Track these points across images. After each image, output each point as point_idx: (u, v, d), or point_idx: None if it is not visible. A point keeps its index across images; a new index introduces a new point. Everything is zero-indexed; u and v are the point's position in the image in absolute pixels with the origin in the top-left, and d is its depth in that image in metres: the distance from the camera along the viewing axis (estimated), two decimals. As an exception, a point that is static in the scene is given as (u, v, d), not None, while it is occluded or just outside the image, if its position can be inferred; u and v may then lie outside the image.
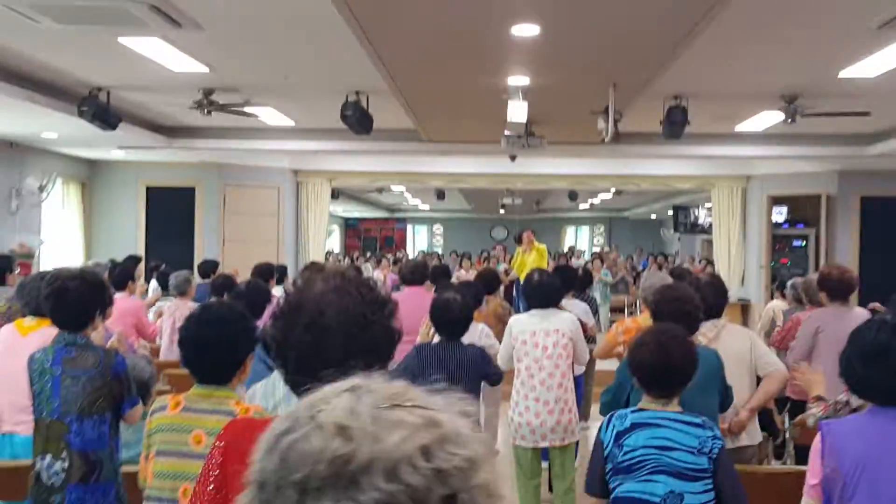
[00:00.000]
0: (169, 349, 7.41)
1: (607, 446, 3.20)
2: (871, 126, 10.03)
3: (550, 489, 5.95)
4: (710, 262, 15.25)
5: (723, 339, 4.81)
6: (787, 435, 6.67)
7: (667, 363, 3.23)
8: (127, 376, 3.87)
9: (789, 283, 8.35)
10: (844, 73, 7.14)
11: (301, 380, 1.92)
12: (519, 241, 11.38)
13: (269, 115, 9.95)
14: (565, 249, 26.22)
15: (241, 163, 13.38)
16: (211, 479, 1.97)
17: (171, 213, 13.27)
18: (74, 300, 3.88)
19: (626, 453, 3.15)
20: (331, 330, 1.85)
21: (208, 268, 10.12)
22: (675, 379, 3.24)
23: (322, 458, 0.87)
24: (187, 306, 7.52)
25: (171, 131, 11.09)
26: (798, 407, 6.35)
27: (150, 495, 2.92)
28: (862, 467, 2.75)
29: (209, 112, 8.64)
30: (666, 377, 3.24)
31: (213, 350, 2.95)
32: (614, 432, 3.20)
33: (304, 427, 0.90)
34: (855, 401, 4.06)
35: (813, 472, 2.92)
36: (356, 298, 1.90)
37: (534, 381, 5.49)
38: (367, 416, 0.89)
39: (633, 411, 3.25)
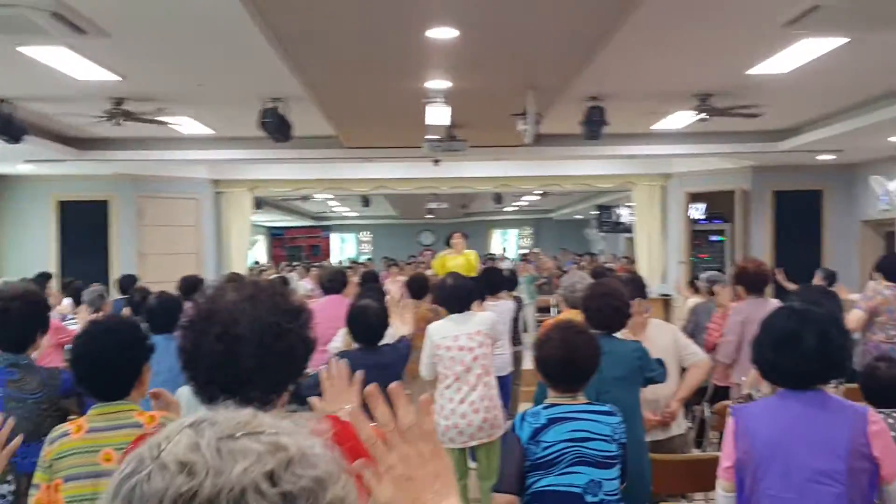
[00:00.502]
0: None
1: (523, 442, 3.22)
2: (780, 123, 10.29)
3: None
4: (630, 260, 15.47)
5: (648, 333, 4.91)
6: (707, 423, 6.78)
7: (572, 358, 3.27)
8: (76, 390, 3.76)
9: (702, 275, 8.51)
10: (754, 71, 7.30)
11: (213, 392, 1.88)
12: (448, 242, 11.29)
13: (184, 125, 9.77)
14: (494, 252, 26.38)
15: (157, 174, 13.09)
16: None
17: (85, 227, 12.90)
18: (16, 321, 3.77)
19: (545, 449, 3.18)
20: (244, 339, 1.81)
21: (127, 283, 9.89)
22: (580, 373, 3.30)
23: (166, 497, 0.85)
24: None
25: (82, 143, 10.80)
26: (719, 393, 6.48)
27: None
28: (772, 449, 2.82)
29: (120, 122, 8.45)
30: (572, 371, 3.29)
31: (107, 363, 2.89)
32: (530, 429, 3.22)
33: (146, 467, 0.88)
34: (756, 394, 4.17)
35: (726, 455, 2.99)
36: (270, 307, 1.87)
37: (460, 383, 5.50)
38: (209, 450, 0.88)
39: (545, 407, 3.28)
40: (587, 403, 3.28)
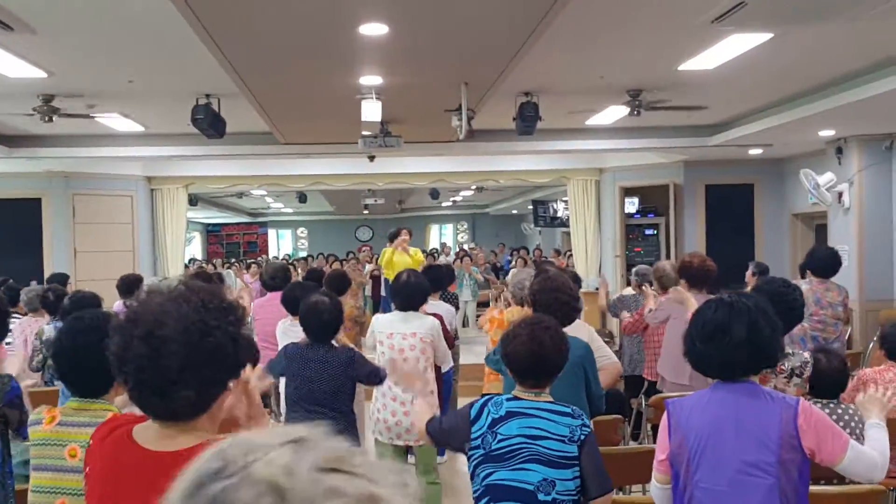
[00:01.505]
0: (23, 369, 7.03)
1: (480, 430, 3.24)
2: (711, 118, 10.48)
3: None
4: (558, 252, 15.60)
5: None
6: (644, 416, 6.90)
7: (539, 353, 3.29)
8: (21, 401, 3.70)
9: (634, 269, 8.63)
10: (684, 67, 7.43)
11: (141, 395, 1.88)
12: (393, 239, 11.21)
13: (115, 121, 9.62)
14: (432, 247, 26.37)
15: (90, 171, 12.89)
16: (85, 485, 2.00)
17: (15, 225, 12.63)
18: None
19: (500, 441, 3.20)
20: (168, 340, 1.81)
21: (56, 281, 9.70)
22: (547, 369, 3.31)
23: None
24: (38, 323, 7.18)
25: (11, 140, 10.58)
26: (653, 390, 6.59)
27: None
28: (705, 440, 2.86)
29: (50, 119, 8.29)
30: (539, 367, 3.30)
31: (86, 360, 2.88)
32: (490, 418, 3.24)
33: (235, 474, 0.84)
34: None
35: (661, 448, 3.03)
36: (196, 306, 1.86)
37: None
38: (304, 478, 0.83)
39: (508, 399, 3.30)
40: (550, 402, 3.29)
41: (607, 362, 5.02)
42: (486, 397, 3.37)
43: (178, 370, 1.81)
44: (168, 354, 1.80)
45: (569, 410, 3.26)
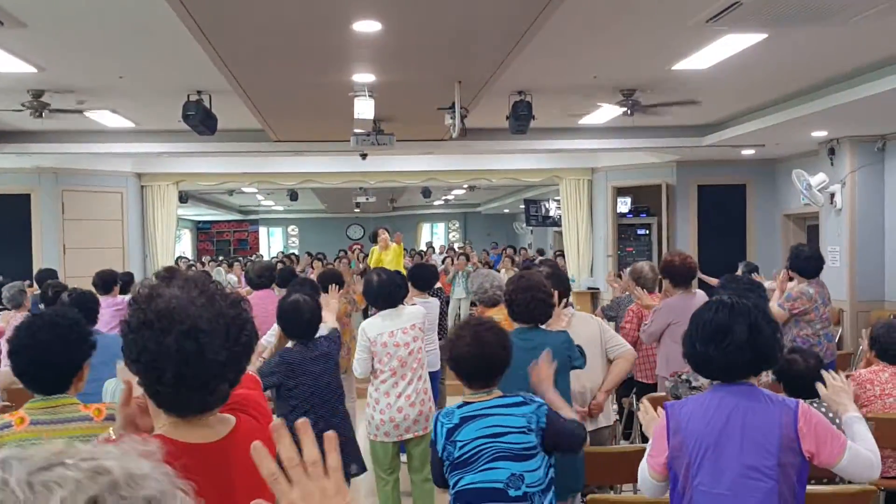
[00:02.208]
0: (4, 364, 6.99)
1: (440, 444, 3.24)
2: (703, 118, 10.48)
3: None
4: (541, 252, 15.60)
5: (574, 326, 4.94)
6: (637, 416, 6.87)
7: (482, 353, 3.28)
8: None
9: (628, 269, 8.61)
10: (677, 67, 7.42)
11: (178, 392, 1.84)
12: (374, 239, 11.33)
13: (106, 118, 9.56)
14: (422, 247, 26.36)
15: (80, 167, 12.83)
16: None
17: (6, 221, 12.58)
18: None
19: (461, 448, 3.20)
20: (212, 334, 1.81)
21: (44, 277, 9.63)
22: (492, 368, 3.31)
23: None
24: (18, 320, 7.14)
25: (2, 136, 10.52)
26: (644, 389, 6.57)
27: None
28: (706, 445, 2.84)
29: (40, 115, 8.24)
30: (484, 368, 3.30)
31: (49, 357, 2.84)
32: (444, 430, 3.24)
33: None
34: (696, 381, 4.23)
35: (657, 450, 3.00)
36: (224, 300, 1.88)
37: (396, 378, 5.49)
38: (19, 486, 0.82)
39: (458, 406, 3.29)
40: (500, 397, 3.29)
41: (621, 350, 5.03)
42: (436, 413, 3.38)
43: (220, 364, 1.82)
44: (212, 349, 1.80)
45: (520, 399, 3.27)
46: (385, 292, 5.71)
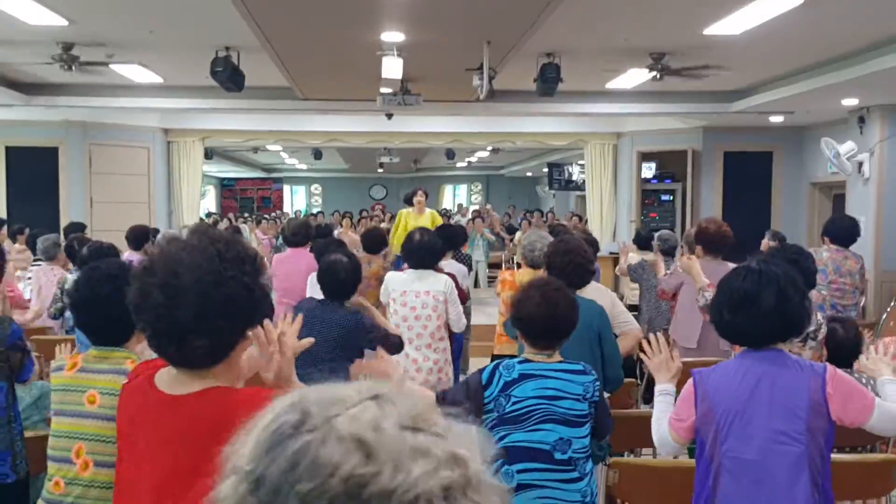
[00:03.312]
0: (38, 315, 7.03)
1: (491, 394, 3.24)
2: (733, 83, 10.38)
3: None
4: (579, 217, 15.57)
5: (588, 294, 4.93)
6: (647, 378, 6.90)
7: (552, 315, 3.28)
8: (24, 343, 3.73)
9: (657, 234, 8.58)
10: (710, 31, 7.34)
11: (159, 343, 1.93)
12: (409, 202, 11.05)
13: (134, 72, 9.59)
14: (451, 207, 26.33)
15: (107, 121, 12.88)
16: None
17: (33, 173, 12.68)
18: None
19: (514, 403, 3.20)
20: (184, 290, 1.84)
21: (73, 231, 9.72)
22: (559, 330, 3.31)
23: (338, 474, 0.77)
24: (53, 272, 7.22)
25: (31, 88, 10.57)
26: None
27: (50, 454, 2.87)
28: (734, 411, 2.85)
29: (69, 67, 8.28)
30: (551, 329, 3.30)
31: (106, 309, 2.88)
32: (501, 382, 3.24)
33: (318, 428, 0.80)
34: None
35: (683, 414, 3.01)
36: (211, 256, 1.88)
37: (410, 345, 5.50)
38: (391, 436, 0.79)
39: (519, 362, 3.30)
40: (561, 362, 3.30)
41: (628, 328, 5.01)
42: (497, 362, 3.37)
43: (193, 319, 1.84)
44: (183, 304, 1.83)
45: (580, 367, 3.28)
46: (422, 253, 5.68)
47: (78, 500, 2.75)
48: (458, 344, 7.13)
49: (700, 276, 5.40)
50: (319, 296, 4.97)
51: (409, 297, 5.55)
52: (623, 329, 4.95)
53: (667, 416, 3.10)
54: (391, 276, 5.81)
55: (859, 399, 2.86)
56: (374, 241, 7.75)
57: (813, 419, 2.79)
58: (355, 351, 4.73)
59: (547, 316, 3.28)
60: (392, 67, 8.12)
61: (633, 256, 8.66)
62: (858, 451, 4.14)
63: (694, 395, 2.96)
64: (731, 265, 6.20)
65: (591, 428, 3.26)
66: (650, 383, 6.93)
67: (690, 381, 3.01)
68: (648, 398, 6.99)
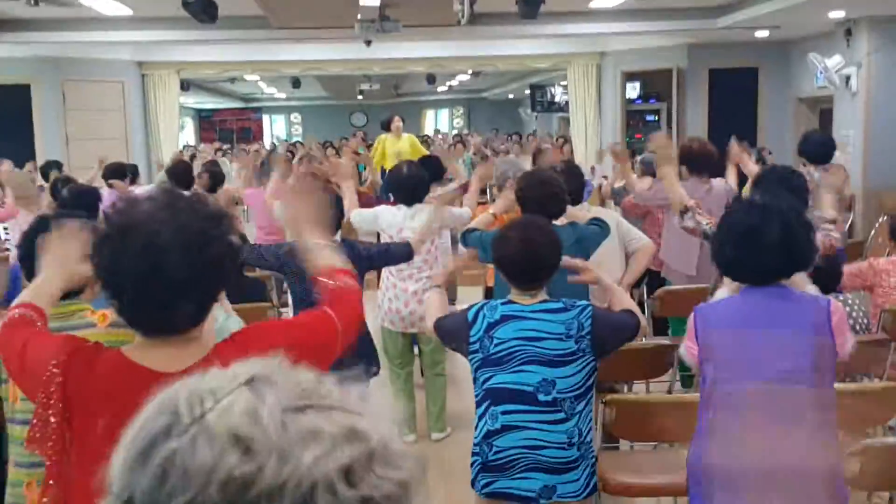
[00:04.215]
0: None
1: (478, 333, 3.19)
2: (718, -1, 10.20)
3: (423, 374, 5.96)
4: (563, 139, 15.44)
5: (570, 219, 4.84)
6: (647, 308, 6.85)
7: (533, 254, 3.20)
8: None
9: (640, 157, 8.46)
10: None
11: (137, 310, 1.79)
12: (387, 127, 10.99)
13: (103, 4, 9.30)
14: (429, 133, 26.09)
15: (80, 56, 12.59)
16: (50, 410, 1.80)
17: (5, 112, 12.39)
18: None
19: (496, 345, 3.16)
20: (170, 250, 1.70)
21: (50, 169, 9.54)
22: (542, 270, 3.23)
23: (214, 479, 0.68)
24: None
25: (-2, 25, 10.28)
26: (655, 278, 6.54)
27: (16, 417, 2.75)
28: (736, 350, 2.80)
29: (36, 2, 8.02)
30: (532, 268, 3.22)
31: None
32: (485, 323, 3.19)
33: (187, 431, 0.70)
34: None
35: (692, 340, 2.95)
36: (191, 214, 1.77)
37: (402, 272, 5.43)
38: (272, 423, 0.70)
39: (503, 303, 3.23)
40: (543, 301, 3.22)
41: (640, 244, 4.97)
42: (482, 302, 3.31)
43: (181, 283, 1.72)
44: (170, 266, 1.70)
45: (560, 305, 3.19)
46: (411, 185, 5.54)
47: None
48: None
49: (679, 191, 4.96)
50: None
51: (406, 233, 5.43)
52: (636, 245, 4.93)
53: None
54: (383, 211, 5.63)
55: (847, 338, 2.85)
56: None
57: (818, 355, 2.75)
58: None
59: (527, 257, 3.20)
60: (370, -7, 7.91)
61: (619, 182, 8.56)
62: (855, 378, 4.13)
63: (695, 332, 2.91)
64: (719, 185, 6.14)
65: (589, 360, 3.18)
66: (655, 320, 6.89)
67: (693, 316, 2.95)
68: (657, 331, 6.90)
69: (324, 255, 2.26)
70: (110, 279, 1.77)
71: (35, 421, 1.84)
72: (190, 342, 1.84)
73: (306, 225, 2.34)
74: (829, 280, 4.22)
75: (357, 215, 5.61)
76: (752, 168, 6.40)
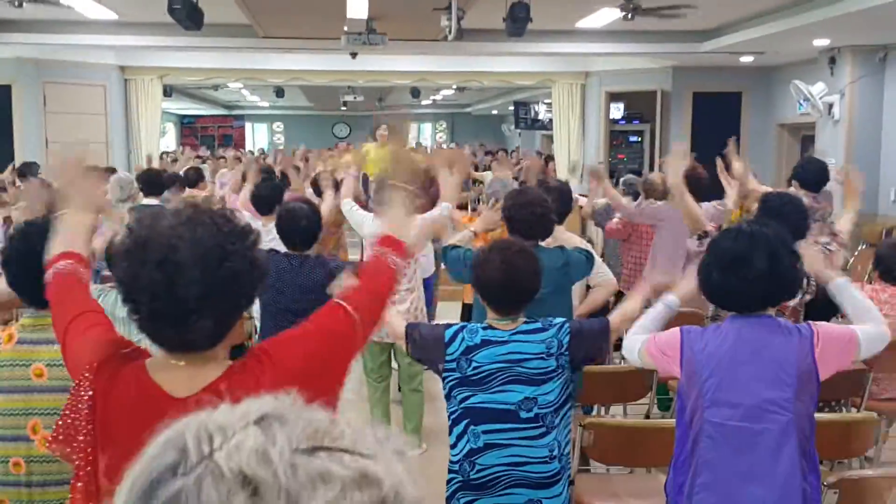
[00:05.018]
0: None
1: (454, 354, 3.15)
2: (703, 23, 10.24)
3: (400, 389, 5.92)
4: (550, 157, 15.44)
5: (559, 242, 4.81)
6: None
7: (513, 280, 3.15)
8: None
9: (622, 178, 8.48)
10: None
11: (154, 326, 1.76)
12: (373, 134, 10.98)
13: (87, 7, 9.23)
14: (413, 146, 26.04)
15: (62, 58, 12.48)
16: (82, 428, 1.79)
17: (-15, 113, 12.28)
18: None
19: (475, 368, 3.12)
20: (185, 266, 1.68)
21: (27, 170, 9.43)
22: (522, 295, 3.19)
23: None
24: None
25: (-20, 25, 10.18)
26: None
27: (0, 435, 2.66)
28: (720, 378, 2.78)
29: (20, 4, 7.94)
30: (513, 294, 3.18)
31: (42, 267, 2.68)
32: (464, 345, 3.15)
33: (195, 469, 0.67)
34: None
35: (666, 350, 2.91)
36: (211, 229, 1.73)
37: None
38: (282, 465, 0.67)
39: (483, 328, 3.19)
40: (523, 323, 3.19)
41: (603, 279, 4.91)
42: (462, 324, 3.27)
43: (196, 299, 1.69)
44: (185, 282, 1.68)
45: (538, 325, 3.16)
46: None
47: (45, 477, 2.61)
48: (429, 290, 7.00)
49: (698, 214, 5.04)
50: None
51: None
52: (600, 280, 4.87)
53: (649, 332, 3.03)
54: (366, 219, 5.58)
55: (843, 343, 2.83)
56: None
57: (801, 386, 2.73)
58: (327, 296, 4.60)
59: (507, 282, 3.16)
60: (357, 7, 7.89)
61: (600, 201, 8.55)
62: (833, 406, 4.12)
63: (680, 354, 2.88)
64: (707, 205, 6.13)
65: (567, 374, 3.15)
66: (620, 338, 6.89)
67: (677, 332, 2.92)
68: (618, 346, 6.94)
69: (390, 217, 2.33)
70: (129, 293, 1.74)
71: (60, 422, 1.84)
72: (208, 361, 1.82)
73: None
74: (826, 310, 4.20)
75: (348, 208, 5.61)
76: (758, 188, 6.39)
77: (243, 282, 1.77)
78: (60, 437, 1.82)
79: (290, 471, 0.67)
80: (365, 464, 0.69)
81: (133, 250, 1.73)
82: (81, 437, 1.79)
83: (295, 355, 1.90)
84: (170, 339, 1.79)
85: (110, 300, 3.45)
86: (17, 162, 11.18)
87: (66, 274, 2.08)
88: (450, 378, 3.19)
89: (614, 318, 3.31)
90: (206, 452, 0.68)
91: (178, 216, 1.75)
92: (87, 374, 1.83)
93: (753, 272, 2.77)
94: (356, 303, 2.05)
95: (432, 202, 5.05)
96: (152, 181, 7.48)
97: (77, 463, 1.79)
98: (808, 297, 4.30)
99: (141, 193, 7.34)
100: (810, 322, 2.91)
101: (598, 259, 5.09)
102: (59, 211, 2.29)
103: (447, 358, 3.17)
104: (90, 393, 1.81)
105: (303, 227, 4.62)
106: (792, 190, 6.84)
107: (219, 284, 1.71)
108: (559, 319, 3.22)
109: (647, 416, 4.63)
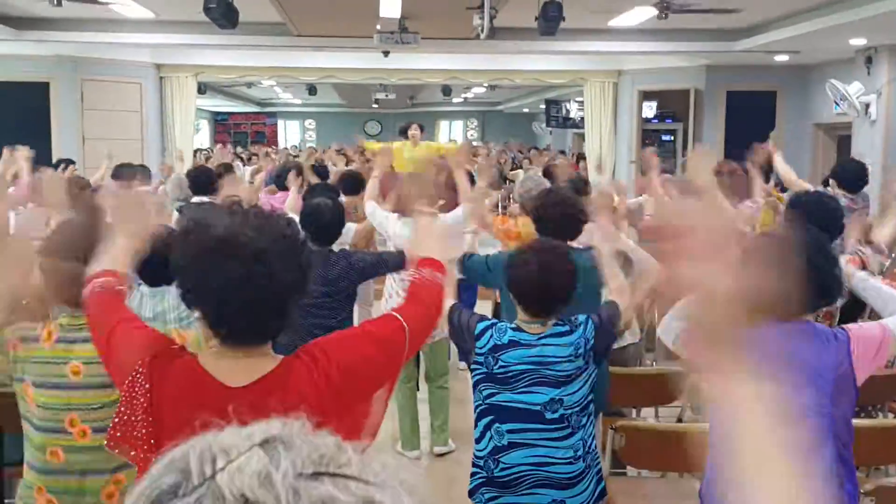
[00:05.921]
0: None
1: (483, 349, 3.16)
2: (738, 22, 10.16)
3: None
4: (580, 156, 15.39)
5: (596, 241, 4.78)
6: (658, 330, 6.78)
7: (548, 282, 3.14)
8: None
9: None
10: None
11: (237, 318, 1.79)
12: (405, 133, 10.92)
13: (126, 7, 9.34)
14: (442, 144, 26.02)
15: (99, 56, 12.62)
16: (139, 422, 1.84)
17: (23, 109, 12.40)
18: None
19: (502, 367, 3.13)
20: (275, 260, 1.75)
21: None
22: (556, 298, 3.17)
23: None
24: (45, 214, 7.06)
25: (20, 22, 10.31)
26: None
27: (38, 425, 2.70)
28: None
29: (59, 2, 8.04)
30: (547, 297, 3.17)
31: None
32: (492, 343, 3.15)
33: (196, 490, 0.66)
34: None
35: None
36: (277, 225, 1.82)
37: (404, 281, 5.37)
38: (284, 489, 0.65)
39: (513, 328, 3.18)
40: (551, 328, 3.17)
41: (647, 265, 4.81)
42: (492, 322, 3.26)
43: (291, 286, 1.79)
44: (283, 271, 1.76)
45: (566, 329, 3.15)
46: None
47: (89, 464, 2.66)
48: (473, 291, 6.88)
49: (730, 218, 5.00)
50: None
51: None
52: (642, 267, 4.80)
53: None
54: (392, 220, 5.59)
55: (877, 343, 2.80)
56: (354, 183, 7.46)
57: (838, 391, 2.70)
58: (348, 290, 4.64)
59: (541, 284, 3.13)
60: (390, 6, 7.91)
61: (633, 201, 8.50)
62: (869, 411, 4.09)
63: None
64: (743, 206, 6.08)
65: (592, 371, 3.16)
66: (651, 334, 6.85)
67: None
68: (650, 348, 6.89)
69: (421, 241, 2.43)
70: (215, 292, 1.77)
71: (116, 420, 1.88)
72: (264, 354, 1.88)
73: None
74: (853, 310, 4.17)
75: (370, 209, 5.63)
76: (803, 185, 6.31)
77: (309, 275, 1.85)
78: (118, 435, 1.86)
79: (293, 495, 0.65)
80: (370, 491, 0.68)
81: (217, 248, 1.75)
82: (143, 431, 1.82)
83: (350, 356, 1.95)
84: (242, 332, 1.83)
85: (134, 303, 3.48)
86: (55, 158, 11.32)
87: (106, 289, 2.12)
88: (477, 371, 3.21)
89: (614, 296, 3.31)
90: (208, 474, 0.67)
91: (236, 215, 1.80)
92: (140, 370, 1.86)
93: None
94: (409, 316, 2.10)
95: (455, 202, 5.07)
96: (202, 180, 7.51)
97: (140, 456, 1.83)
98: (843, 301, 4.26)
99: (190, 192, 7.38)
100: (843, 326, 2.89)
101: (635, 245, 5.03)
102: (108, 235, 2.33)
103: (477, 350, 3.18)
104: (147, 386, 1.84)
105: (325, 222, 4.63)
106: (829, 190, 6.81)
107: (301, 276, 1.80)
108: (582, 317, 3.20)
109: (680, 420, 4.61)
